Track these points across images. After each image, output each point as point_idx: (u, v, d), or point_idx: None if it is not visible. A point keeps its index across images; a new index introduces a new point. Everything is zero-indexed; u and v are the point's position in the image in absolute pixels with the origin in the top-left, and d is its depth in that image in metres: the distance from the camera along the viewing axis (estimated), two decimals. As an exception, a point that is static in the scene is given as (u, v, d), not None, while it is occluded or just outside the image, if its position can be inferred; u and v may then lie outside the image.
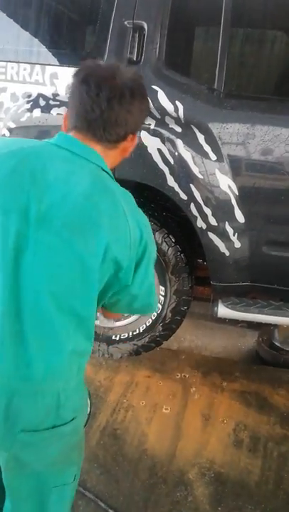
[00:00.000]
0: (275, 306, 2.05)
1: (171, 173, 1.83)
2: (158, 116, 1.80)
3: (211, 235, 1.89)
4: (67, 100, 1.89)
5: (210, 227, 1.88)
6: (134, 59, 1.81)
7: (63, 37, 2.13)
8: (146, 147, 1.81)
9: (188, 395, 2.17)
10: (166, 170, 1.82)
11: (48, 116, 1.93)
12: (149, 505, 1.63)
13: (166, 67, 1.83)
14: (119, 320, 2.27)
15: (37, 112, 1.94)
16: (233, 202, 1.83)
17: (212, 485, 1.72)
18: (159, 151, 1.80)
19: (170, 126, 1.80)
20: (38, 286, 0.86)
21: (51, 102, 1.93)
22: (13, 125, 1.98)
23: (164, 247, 2.00)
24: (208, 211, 1.85)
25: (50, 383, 0.92)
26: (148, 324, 2.20)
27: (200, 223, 1.88)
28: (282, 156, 1.76)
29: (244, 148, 1.78)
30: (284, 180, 1.80)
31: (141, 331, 2.22)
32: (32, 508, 1.05)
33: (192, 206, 1.86)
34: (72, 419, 0.99)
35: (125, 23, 1.81)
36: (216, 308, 2.05)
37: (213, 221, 1.86)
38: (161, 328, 2.19)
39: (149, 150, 1.81)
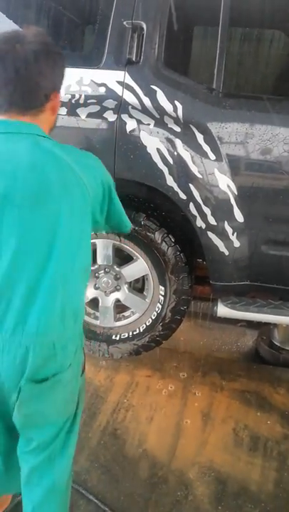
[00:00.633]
0: (275, 305, 2.05)
1: (170, 173, 1.83)
2: (157, 116, 1.81)
3: (210, 234, 1.90)
4: (66, 100, 1.91)
5: (209, 227, 1.88)
6: (134, 59, 1.81)
7: (62, 37, 2.13)
8: (145, 147, 1.81)
9: (189, 394, 2.17)
10: (165, 170, 1.82)
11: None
12: (150, 504, 1.63)
13: (165, 67, 1.83)
14: (119, 320, 2.27)
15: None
16: (232, 201, 1.83)
17: (212, 484, 1.72)
18: (158, 150, 1.81)
19: (169, 125, 1.80)
20: (16, 247, 0.98)
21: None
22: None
23: (164, 246, 2.01)
24: (207, 211, 1.86)
25: (45, 336, 1.01)
26: (148, 324, 2.20)
27: (199, 223, 1.88)
28: (281, 156, 1.76)
29: (243, 148, 1.78)
30: (283, 179, 1.81)
31: (141, 330, 2.23)
32: (42, 459, 1.12)
33: (191, 206, 1.86)
34: (70, 366, 1.09)
35: (124, 23, 1.81)
36: (215, 308, 2.05)
37: (212, 220, 1.87)
38: (161, 328, 2.19)
39: (148, 150, 1.81)
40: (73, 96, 1.87)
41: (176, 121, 1.80)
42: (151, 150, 1.81)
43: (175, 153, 1.80)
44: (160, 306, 2.15)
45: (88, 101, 1.86)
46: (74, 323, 1.09)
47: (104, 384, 2.21)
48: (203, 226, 1.89)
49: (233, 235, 1.89)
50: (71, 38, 2.19)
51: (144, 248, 2.05)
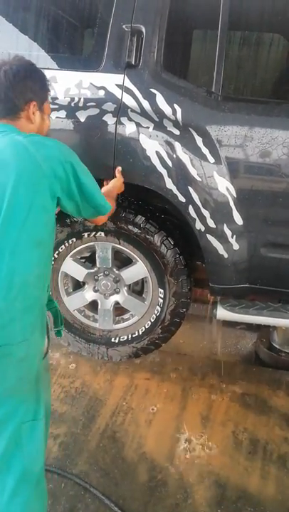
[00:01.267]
0: (274, 307, 2.05)
1: (169, 176, 1.83)
2: (156, 119, 1.81)
3: (209, 237, 1.90)
4: (66, 104, 1.92)
5: (208, 230, 1.88)
6: (133, 63, 1.82)
7: (62, 41, 2.14)
8: (144, 150, 1.81)
9: (188, 397, 2.17)
10: (164, 172, 1.83)
11: (46, 120, 1.93)
12: (149, 508, 1.63)
13: (164, 70, 1.84)
14: (119, 323, 2.27)
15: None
16: (232, 204, 1.83)
17: (212, 487, 1.72)
18: (158, 153, 1.81)
19: (168, 128, 1.80)
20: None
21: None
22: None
23: (163, 249, 2.01)
24: (206, 213, 1.86)
25: None
26: (147, 326, 2.20)
27: (198, 225, 1.89)
28: (280, 159, 1.77)
29: (242, 151, 1.78)
30: (281, 182, 1.81)
31: (140, 333, 2.23)
32: (7, 444, 1.19)
33: (190, 208, 1.86)
34: (23, 341, 1.16)
35: (123, 26, 1.82)
36: (215, 311, 2.05)
37: (211, 223, 1.87)
38: (160, 331, 2.19)
39: (148, 153, 1.82)
40: (73, 99, 1.87)
41: (176, 124, 1.81)
42: (151, 153, 1.82)
43: (174, 156, 1.81)
44: (159, 309, 2.15)
45: (87, 104, 1.86)
46: (24, 296, 1.16)
47: (104, 387, 2.21)
48: (203, 229, 1.89)
49: (232, 237, 1.89)
50: (70, 42, 2.20)
51: (143, 251, 2.05)
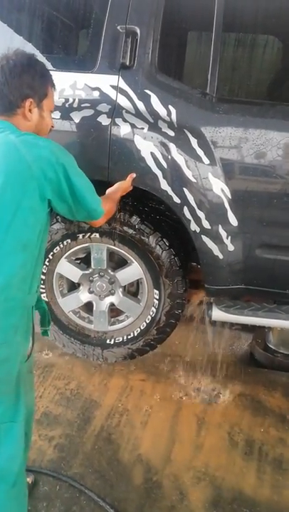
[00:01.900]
0: (269, 308, 2.05)
1: (164, 177, 1.83)
2: (151, 120, 1.81)
3: (204, 238, 1.90)
4: (60, 105, 1.91)
5: (203, 231, 1.89)
6: (127, 64, 1.82)
7: (56, 41, 2.13)
8: (139, 151, 1.81)
9: (183, 398, 2.17)
10: (159, 174, 1.83)
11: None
12: (145, 509, 1.62)
13: (159, 71, 1.84)
14: (114, 324, 2.27)
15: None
16: (226, 205, 1.84)
17: (207, 489, 1.72)
18: (152, 154, 1.81)
19: (163, 130, 1.80)
20: None
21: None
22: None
23: (158, 250, 2.01)
24: (201, 214, 1.86)
25: None
26: (142, 328, 2.20)
27: (193, 226, 1.89)
28: (275, 160, 1.77)
29: (237, 152, 1.79)
30: (276, 183, 1.82)
31: (135, 334, 2.22)
32: None
33: (185, 210, 1.86)
34: (4, 343, 1.18)
35: (118, 27, 1.82)
36: (210, 312, 2.05)
37: (206, 224, 1.87)
38: (155, 332, 2.19)
39: (142, 154, 1.81)
40: (67, 100, 1.87)
41: (170, 125, 1.81)
42: (145, 154, 1.81)
43: (169, 157, 1.81)
44: (154, 310, 2.14)
45: (82, 105, 1.86)
46: (6, 298, 1.16)
47: (99, 388, 2.20)
48: (198, 230, 1.89)
49: (227, 238, 1.89)
50: (65, 42, 2.19)
51: (138, 252, 2.05)
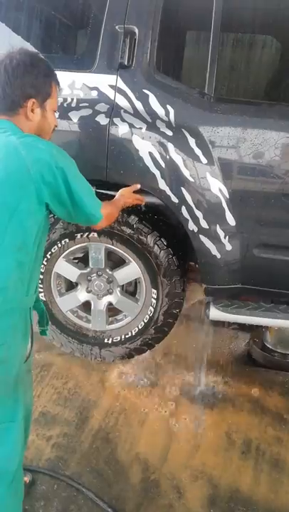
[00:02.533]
0: (266, 308, 2.06)
1: (162, 177, 1.83)
2: (149, 120, 1.81)
3: (202, 237, 1.90)
4: (58, 104, 1.90)
5: (201, 230, 1.89)
6: (126, 63, 1.82)
7: (55, 41, 2.13)
8: (137, 151, 1.82)
9: (180, 397, 2.17)
10: (157, 173, 1.83)
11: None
12: (142, 508, 1.63)
13: (157, 71, 1.84)
14: (112, 324, 2.27)
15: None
16: (224, 205, 1.84)
17: (204, 487, 1.72)
18: (150, 154, 1.81)
19: (161, 129, 1.81)
20: None
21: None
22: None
23: (156, 250, 2.01)
24: (199, 214, 1.86)
25: None
26: (140, 327, 2.20)
27: (191, 226, 1.89)
28: (272, 160, 1.78)
29: (234, 152, 1.79)
30: (274, 183, 1.82)
31: (133, 334, 2.23)
32: None
33: (183, 209, 1.87)
34: (3, 344, 1.17)
35: (116, 27, 1.82)
36: (207, 311, 2.06)
37: (204, 224, 1.88)
38: (153, 331, 2.19)
39: (141, 153, 1.82)
40: (65, 99, 1.87)
41: (168, 125, 1.81)
42: (144, 154, 1.82)
43: (167, 157, 1.81)
44: (152, 310, 2.15)
45: (80, 104, 1.86)
46: (4, 300, 1.16)
47: (97, 388, 2.21)
48: (196, 229, 1.89)
49: (225, 238, 1.90)
50: (64, 42, 2.19)
51: (136, 251, 2.05)
